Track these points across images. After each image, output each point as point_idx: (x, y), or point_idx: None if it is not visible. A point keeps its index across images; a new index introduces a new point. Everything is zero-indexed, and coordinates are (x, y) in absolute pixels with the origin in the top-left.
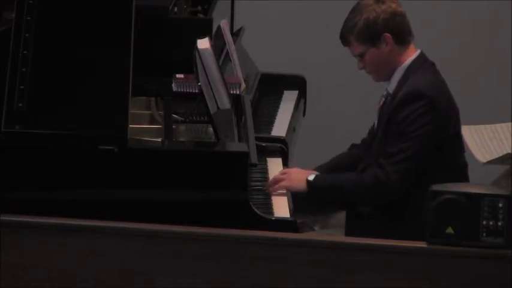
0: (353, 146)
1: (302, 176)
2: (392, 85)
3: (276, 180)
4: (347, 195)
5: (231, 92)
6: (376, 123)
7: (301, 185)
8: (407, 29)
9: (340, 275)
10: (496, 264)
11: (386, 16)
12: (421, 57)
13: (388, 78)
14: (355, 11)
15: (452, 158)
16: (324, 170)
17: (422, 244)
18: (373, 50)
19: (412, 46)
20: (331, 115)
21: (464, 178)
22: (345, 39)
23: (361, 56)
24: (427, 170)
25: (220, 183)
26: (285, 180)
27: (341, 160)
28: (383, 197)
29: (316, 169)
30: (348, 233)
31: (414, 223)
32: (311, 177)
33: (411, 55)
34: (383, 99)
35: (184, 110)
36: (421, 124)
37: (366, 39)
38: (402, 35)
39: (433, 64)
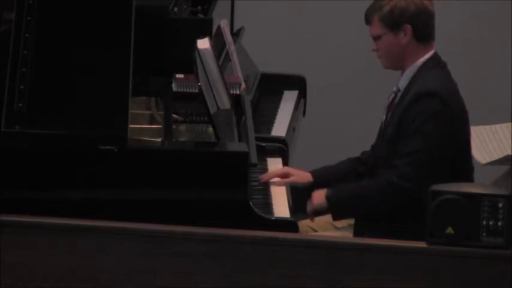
0: (363, 153)
1: (320, 195)
2: (403, 81)
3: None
4: (367, 207)
5: (231, 92)
6: (383, 121)
7: (321, 200)
8: (431, 29)
9: (340, 275)
10: (496, 264)
11: (414, 10)
12: (435, 57)
13: (396, 68)
14: None
15: (462, 162)
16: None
17: (422, 244)
18: (390, 36)
19: (430, 47)
20: (331, 115)
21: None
22: (368, 17)
23: (377, 38)
24: (437, 174)
25: (220, 183)
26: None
27: (345, 166)
28: (402, 199)
29: (313, 171)
30: (357, 234)
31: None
32: (329, 192)
33: (426, 54)
34: (393, 95)
35: (184, 110)
36: (436, 122)
37: (387, 23)
38: (423, 33)
39: (445, 65)
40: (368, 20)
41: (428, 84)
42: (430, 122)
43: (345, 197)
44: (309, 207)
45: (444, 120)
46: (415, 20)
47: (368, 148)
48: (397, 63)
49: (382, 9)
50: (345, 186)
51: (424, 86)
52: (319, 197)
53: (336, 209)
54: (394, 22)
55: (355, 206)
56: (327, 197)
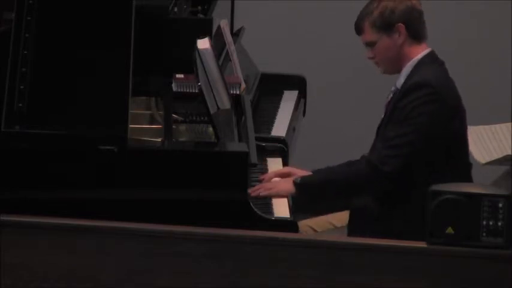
0: (363, 157)
1: (288, 179)
2: (401, 80)
3: (264, 188)
4: (340, 186)
5: (231, 92)
6: (381, 120)
7: (288, 186)
8: (422, 26)
9: (340, 275)
10: (496, 264)
11: (404, 8)
12: (432, 55)
13: (395, 71)
14: (374, 0)
15: (458, 158)
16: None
17: (422, 244)
18: (385, 39)
19: (424, 45)
20: (331, 115)
21: (468, 179)
22: (359, 26)
23: (372, 45)
24: (432, 170)
25: (220, 183)
26: (272, 187)
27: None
28: (376, 182)
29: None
30: (351, 233)
31: (418, 224)
32: (298, 179)
33: (422, 52)
34: (391, 94)
35: (184, 110)
36: (423, 112)
37: (379, 27)
38: (416, 30)
39: (443, 63)
40: (359, 29)
41: (423, 75)
42: (419, 111)
43: (314, 182)
44: (271, 187)
45: (435, 110)
46: (406, 17)
47: (368, 149)
48: (395, 65)
49: (372, 14)
50: (316, 172)
51: (417, 77)
52: (285, 183)
53: (304, 192)
54: (386, 24)
55: (326, 190)
56: (295, 182)
